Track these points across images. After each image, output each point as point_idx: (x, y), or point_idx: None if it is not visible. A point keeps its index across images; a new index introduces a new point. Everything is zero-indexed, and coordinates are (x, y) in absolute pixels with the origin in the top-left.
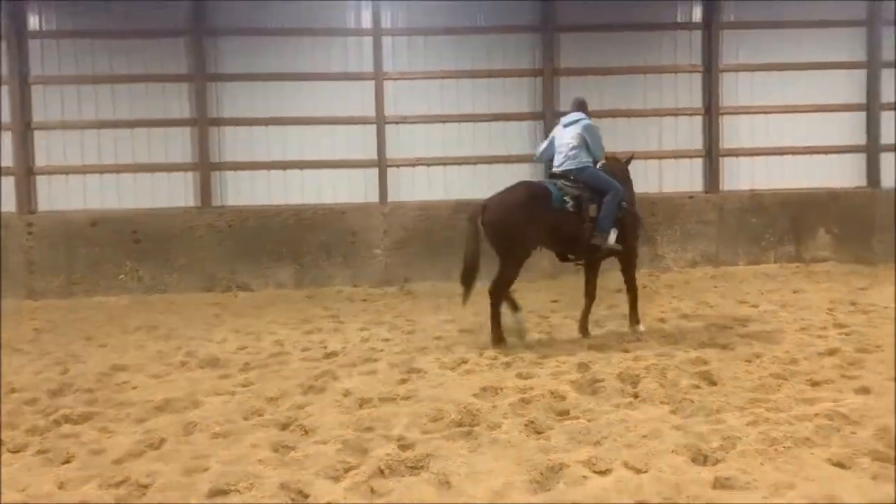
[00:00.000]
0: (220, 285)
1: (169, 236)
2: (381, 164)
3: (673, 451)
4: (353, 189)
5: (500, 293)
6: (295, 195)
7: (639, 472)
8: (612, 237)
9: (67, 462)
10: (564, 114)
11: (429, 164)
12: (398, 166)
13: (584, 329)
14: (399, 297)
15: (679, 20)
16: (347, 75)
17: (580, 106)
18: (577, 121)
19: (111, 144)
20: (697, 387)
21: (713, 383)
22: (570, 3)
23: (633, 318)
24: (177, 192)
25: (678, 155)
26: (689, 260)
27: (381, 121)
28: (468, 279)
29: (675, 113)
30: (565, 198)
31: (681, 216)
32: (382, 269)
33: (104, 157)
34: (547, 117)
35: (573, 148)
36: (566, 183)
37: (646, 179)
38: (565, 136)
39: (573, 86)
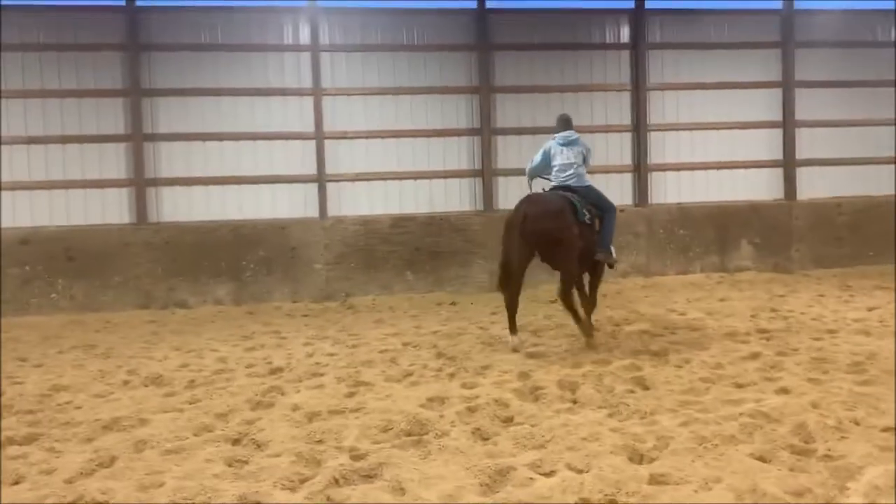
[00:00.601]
0: (157, 303)
1: (103, 254)
2: (321, 179)
3: (611, 452)
4: (293, 204)
5: (570, 297)
6: (233, 210)
7: (581, 472)
8: (614, 253)
9: (17, 483)
10: (502, 129)
11: (369, 179)
12: (338, 181)
13: (589, 331)
14: (341, 311)
15: (608, 41)
16: (285, 91)
17: (569, 123)
18: (575, 139)
19: (41, 161)
20: (632, 391)
21: (646, 388)
22: (504, 22)
23: (590, 327)
24: (111, 209)
25: (609, 170)
26: (620, 271)
27: (320, 136)
28: (511, 285)
29: (605, 130)
30: (584, 210)
31: (620, 228)
32: (323, 284)
33: (34, 173)
34: (484, 133)
35: (579, 166)
36: (577, 197)
37: None
38: (568, 155)
39: (509, 103)
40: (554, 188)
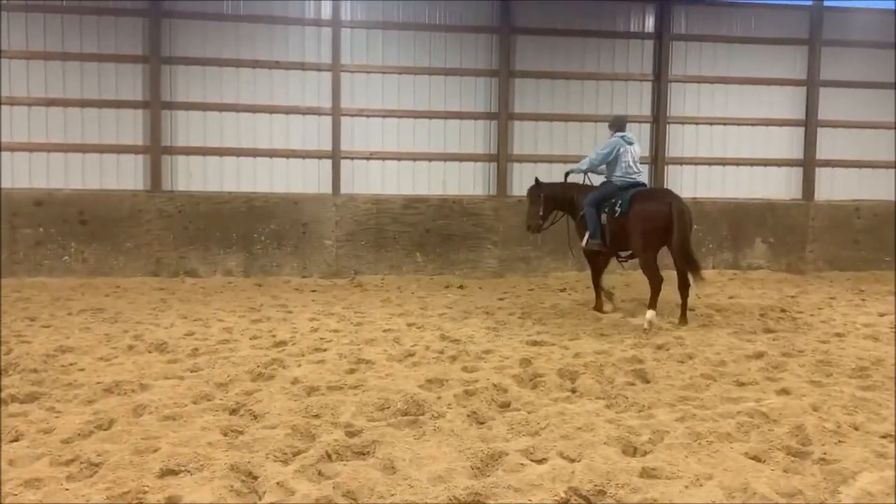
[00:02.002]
0: (167, 270)
1: (117, 219)
2: (336, 155)
3: (605, 443)
4: (307, 179)
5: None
6: (247, 183)
7: (572, 461)
8: None
9: (16, 440)
10: (519, 115)
11: (383, 159)
12: (352, 159)
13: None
14: (349, 288)
15: (633, 29)
16: (305, 65)
17: (626, 122)
18: (635, 139)
19: (60, 123)
20: (632, 384)
21: (647, 381)
22: (528, 6)
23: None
24: (126, 175)
25: None
26: (630, 263)
27: (336, 112)
28: (695, 263)
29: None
30: None
31: None
32: (333, 261)
33: (52, 135)
34: (501, 117)
35: (640, 164)
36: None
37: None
38: (634, 153)
39: (528, 88)
40: (627, 184)
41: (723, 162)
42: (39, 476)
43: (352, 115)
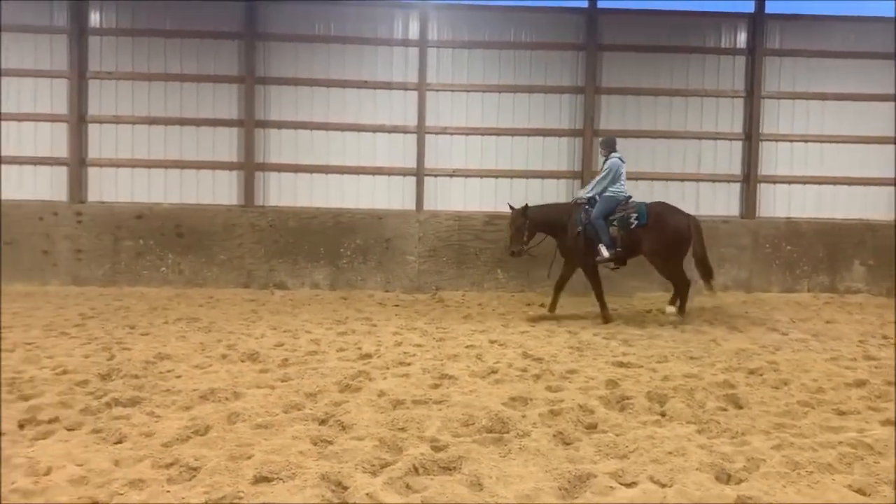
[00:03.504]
0: (257, 282)
1: (211, 232)
2: (420, 172)
3: (697, 469)
4: (391, 196)
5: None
6: (334, 198)
7: (663, 486)
8: None
9: (120, 442)
10: (605, 131)
11: (465, 176)
12: (435, 176)
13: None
14: (430, 304)
15: (723, 45)
16: (391, 84)
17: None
18: (624, 158)
19: (160, 140)
20: (724, 409)
21: (740, 406)
22: (615, 22)
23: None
24: (221, 190)
25: (716, 179)
26: (720, 284)
27: (421, 130)
28: (710, 270)
29: (714, 137)
30: None
31: (714, 240)
32: (415, 276)
33: (153, 152)
34: (586, 135)
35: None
36: None
37: (682, 201)
38: (625, 173)
39: (614, 104)
40: (625, 198)
41: (818, 181)
42: (143, 477)
43: (436, 133)
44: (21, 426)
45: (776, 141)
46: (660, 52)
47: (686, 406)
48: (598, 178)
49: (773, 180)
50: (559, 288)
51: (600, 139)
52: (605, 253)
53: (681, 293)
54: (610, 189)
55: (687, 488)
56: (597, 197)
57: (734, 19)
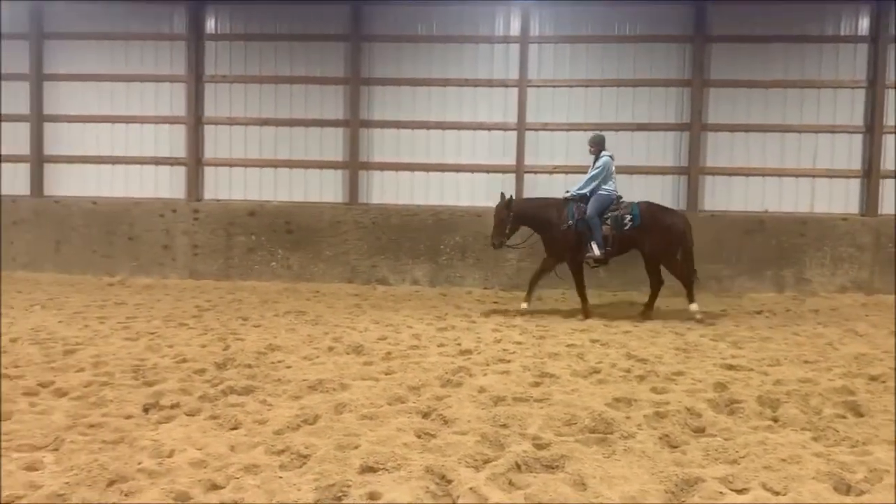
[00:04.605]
0: (360, 278)
1: (318, 229)
2: (519, 169)
3: (813, 478)
4: (490, 193)
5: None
6: (434, 196)
7: (777, 493)
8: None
9: (235, 428)
10: (713, 126)
11: (566, 172)
12: (535, 173)
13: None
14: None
15: (843, 33)
16: (492, 82)
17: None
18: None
19: (271, 140)
20: (842, 416)
21: (860, 414)
22: (724, 12)
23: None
24: (327, 188)
25: (832, 174)
26: (837, 285)
27: (521, 127)
28: (694, 269)
29: (831, 130)
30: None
31: (832, 238)
32: (514, 273)
33: (264, 151)
34: (693, 129)
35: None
36: None
37: (796, 198)
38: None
39: (722, 97)
40: (616, 196)
41: None
42: (257, 463)
43: (536, 130)
44: (146, 410)
45: None
46: (772, 42)
47: (800, 412)
48: (589, 175)
49: None
50: (535, 281)
51: (590, 137)
52: (596, 251)
53: (686, 289)
54: (602, 188)
55: (802, 497)
56: (588, 194)
57: (855, 4)
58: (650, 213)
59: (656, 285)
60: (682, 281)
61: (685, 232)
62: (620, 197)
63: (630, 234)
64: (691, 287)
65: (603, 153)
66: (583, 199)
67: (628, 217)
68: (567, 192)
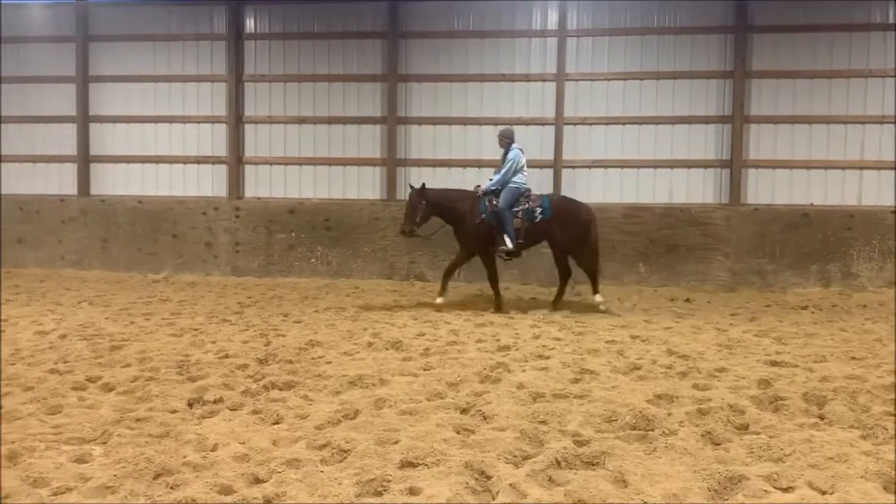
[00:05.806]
0: (398, 274)
1: (357, 226)
2: (557, 164)
3: (862, 477)
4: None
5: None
6: None
7: (824, 493)
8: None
9: (277, 423)
10: (756, 118)
11: (605, 167)
12: (574, 167)
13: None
14: (568, 297)
15: (890, 21)
16: (529, 76)
17: None
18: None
19: (310, 138)
20: (892, 414)
21: None
22: (767, 1)
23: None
24: (365, 185)
25: (881, 166)
26: (886, 279)
27: (559, 122)
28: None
29: (880, 121)
30: None
31: (880, 232)
32: (551, 269)
33: (303, 149)
34: (735, 121)
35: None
36: None
37: (843, 191)
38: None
39: (765, 88)
40: (526, 189)
41: None
42: (298, 457)
43: (574, 124)
44: (190, 405)
45: None
46: (817, 32)
47: (848, 409)
48: (502, 170)
49: None
50: (448, 274)
51: (499, 131)
52: (509, 244)
53: (564, 282)
54: (513, 180)
55: (850, 496)
56: (499, 188)
57: None
58: (559, 206)
59: (565, 276)
60: (587, 272)
61: (591, 225)
62: (530, 190)
63: (540, 226)
64: (596, 278)
65: (513, 146)
66: (495, 193)
67: (539, 209)
68: (478, 186)
